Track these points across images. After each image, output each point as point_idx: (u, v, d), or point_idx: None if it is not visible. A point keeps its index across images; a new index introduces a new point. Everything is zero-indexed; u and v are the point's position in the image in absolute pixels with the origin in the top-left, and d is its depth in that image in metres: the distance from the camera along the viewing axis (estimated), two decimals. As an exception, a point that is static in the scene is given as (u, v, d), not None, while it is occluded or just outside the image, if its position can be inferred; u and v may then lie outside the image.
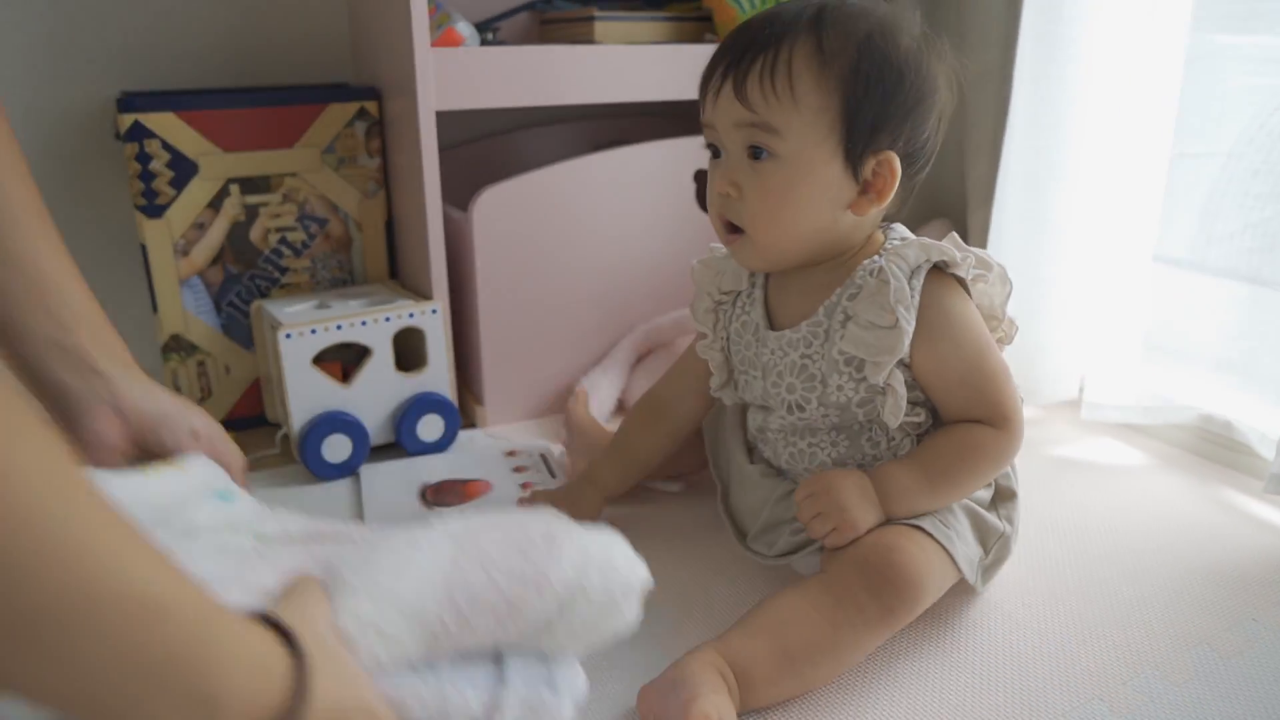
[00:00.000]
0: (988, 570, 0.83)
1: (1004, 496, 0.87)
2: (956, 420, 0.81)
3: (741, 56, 0.77)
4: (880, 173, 0.78)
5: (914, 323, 0.76)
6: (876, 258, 0.80)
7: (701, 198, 1.32)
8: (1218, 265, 1.13)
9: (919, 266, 0.77)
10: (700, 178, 1.31)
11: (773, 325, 0.86)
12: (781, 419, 0.86)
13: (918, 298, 0.77)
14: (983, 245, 1.19)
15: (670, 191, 1.29)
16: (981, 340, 0.79)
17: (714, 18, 1.32)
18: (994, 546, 0.83)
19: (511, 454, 1.16)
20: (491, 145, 1.49)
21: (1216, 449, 1.14)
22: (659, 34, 1.31)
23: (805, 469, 0.86)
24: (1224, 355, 1.14)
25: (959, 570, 0.79)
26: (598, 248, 1.26)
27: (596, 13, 1.26)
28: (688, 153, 1.29)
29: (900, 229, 0.85)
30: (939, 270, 0.78)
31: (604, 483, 0.98)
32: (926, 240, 0.78)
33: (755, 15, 0.79)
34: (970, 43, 1.20)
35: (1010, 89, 1.13)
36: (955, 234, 0.81)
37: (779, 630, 0.73)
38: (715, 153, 0.81)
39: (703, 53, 1.27)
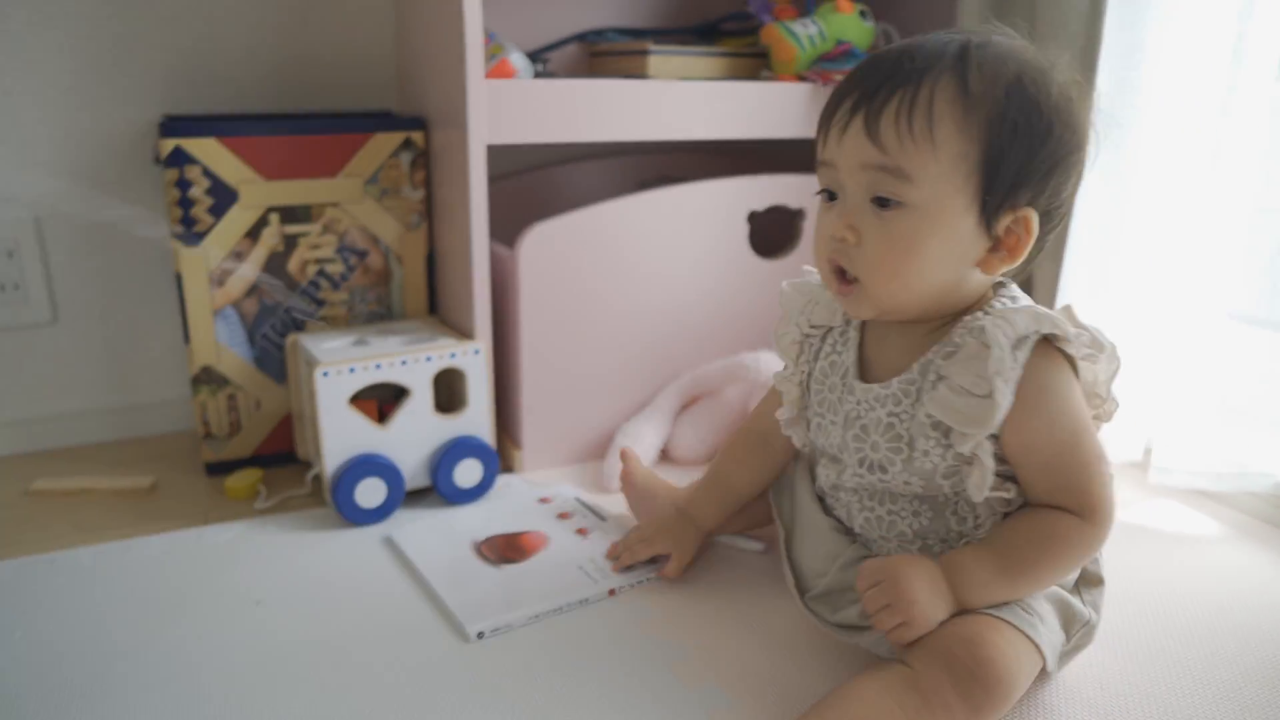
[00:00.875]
0: (1065, 655, 0.78)
1: (1090, 582, 0.81)
2: (1040, 504, 0.75)
3: (876, 91, 0.70)
4: (1015, 230, 0.72)
5: (1011, 397, 0.70)
6: (980, 314, 0.73)
7: (756, 240, 1.27)
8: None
9: (1026, 336, 0.71)
10: (755, 219, 1.27)
11: (863, 374, 0.80)
12: (858, 477, 0.79)
13: (1019, 370, 0.70)
14: (1050, 300, 1.13)
15: (722, 233, 1.24)
16: (1079, 424, 0.72)
17: (770, 55, 1.28)
18: (1077, 634, 0.77)
19: (545, 501, 1.11)
20: (535, 179, 1.45)
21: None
22: (714, 70, 1.27)
23: (882, 536, 0.80)
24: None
25: (1043, 659, 0.73)
26: (645, 290, 1.21)
27: (651, 46, 1.22)
28: (741, 193, 1.24)
29: (1013, 288, 0.78)
30: (1047, 343, 0.72)
31: (701, 517, 0.96)
32: (1039, 309, 0.71)
33: (892, 48, 0.72)
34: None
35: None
36: (1071, 307, 0.74)
37: None
38: (830, 196, 0.75)
39: (758, 90, 1.25)
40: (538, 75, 1.23)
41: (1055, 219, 0.74)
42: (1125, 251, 1.13)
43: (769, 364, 1.20)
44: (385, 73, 1.34)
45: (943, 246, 0.71)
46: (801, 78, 1.26)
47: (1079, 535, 0.72)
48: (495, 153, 1.32)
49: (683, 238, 1.22)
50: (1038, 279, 1.16)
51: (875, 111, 0.70)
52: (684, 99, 1.17)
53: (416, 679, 0.79)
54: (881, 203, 0.71)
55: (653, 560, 0.96)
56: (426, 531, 1.03)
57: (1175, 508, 1.13)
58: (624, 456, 1.07)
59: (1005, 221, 0.71)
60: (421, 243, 1.23)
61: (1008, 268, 0.73)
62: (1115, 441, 1.19)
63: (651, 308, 1.22)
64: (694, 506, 0.96)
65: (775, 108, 1.22)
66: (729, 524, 0.99)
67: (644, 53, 1.23)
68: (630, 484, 1.05)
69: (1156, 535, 1.07)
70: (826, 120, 0.74)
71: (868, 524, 0.81)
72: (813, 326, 0.85)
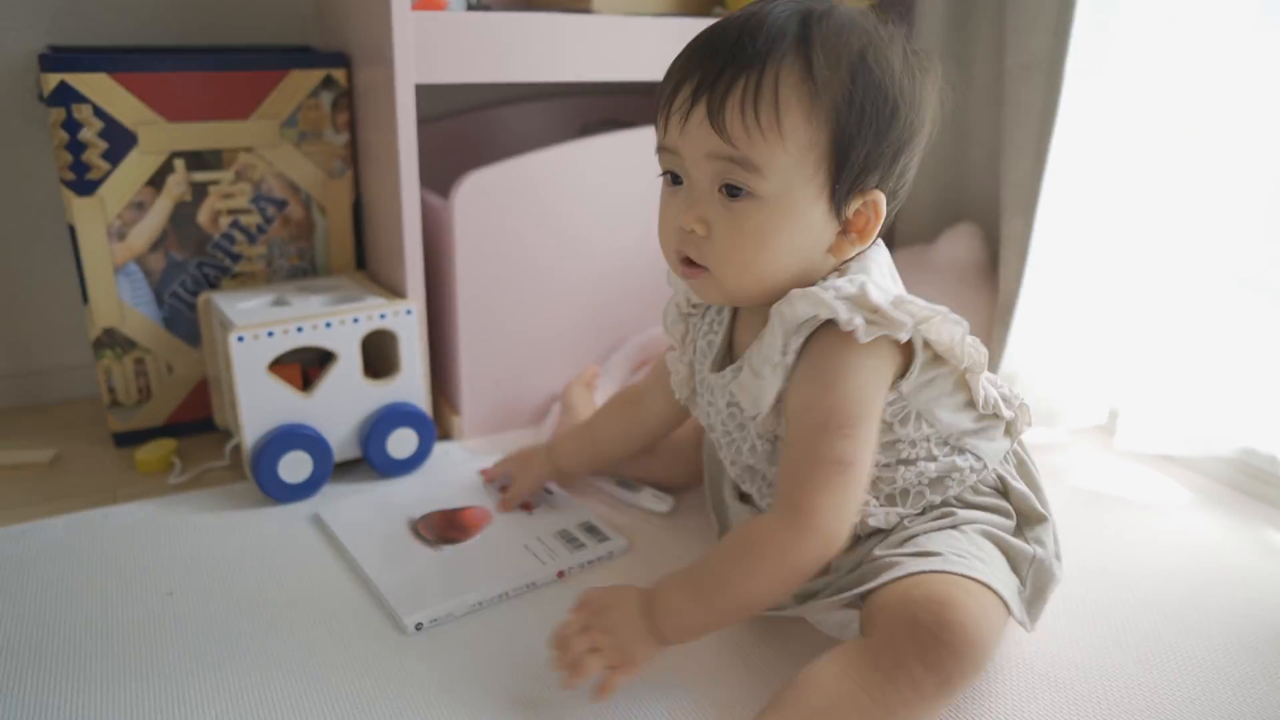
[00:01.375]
0: (1032, 605, 0.73)
1: (1029, 520, 0.77)
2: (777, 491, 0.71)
3: (717, 75, 0.66)
4: (864, 213, 0.70)
5: (779, 381, 0.70)
6: (783, 301, 0.70)
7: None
8: (1275, 288, 1.03)
9: (805, 322, 0.69)
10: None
11: (729, 359, 0.79)
12: (751, 457, 0.79)
13: (792, 356, 0.70)
14: (1022, 254, 1.08)
15: (672, 181, 1.16)
16: (835, 413, 0.67)
17: (724, -11, 1.19)
18: (1029, 574, 0.73)
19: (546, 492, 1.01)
20: (468, 121, 1.35)
21: (1259, 485, 1.05)
22: (663, 5, 1.18)
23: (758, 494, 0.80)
24: (1272, 385, 1.05)
25: (1008, 610, 0.69)
26: (590, 243, 1.13)
27: (595, -23, 1.12)
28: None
29: (853, 265, 0.72)
30: (833, 324, 0.67)
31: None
32: (823, 293, 0.67)
33: (730, 20, 0.68)
34: (1014, 28, 1.08)
35: (1060, 82, 1.02)
36: (866, 285, 0.68)
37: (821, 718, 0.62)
38: (674, 179, 0.72)
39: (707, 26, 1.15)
40: (471, 8, 1.12)
41: (899, 196, 0.73)
42: (1102, 207, 1.08)
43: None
44: (303, 3, 1.22)
45: (794, 236, 0.69)
46: (757, 14, 1.17)
47: (775, 543, 0.67)
48: (425, 93, 1.22)
49: (631, 187, 1.13)
50: (1007, 232, 1.11)
51: (718, 100, 0.66)
52: (633, 36, 1.08)
53: (348, 677, 0.72)
54: (731, 192, 0.68)
55: (603, 540, 0.90)
56: (358, 508, 0.95)
57: (1141, 473, 1.10)
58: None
59: (854, 205, 0.70)
60: (346, 191, 1.13)
61: (858, 249, 0.72)
62: (1080, 404, 1.15)
63: (597, 262, 1.14)
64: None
65: (729, 47, 1.14)
66: (628, 470, 1.00)
67: (587, -16, 1.13)
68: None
69: (1123, 503, 1.04)
70: (666, 103, 0.70)
71: (761, 496, 0.80)
72: (692, 305, 0.83)
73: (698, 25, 1.11)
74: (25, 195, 1.13)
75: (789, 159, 0.66)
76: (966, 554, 0.70)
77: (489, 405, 1.12)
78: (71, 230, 1.00)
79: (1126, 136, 1.04)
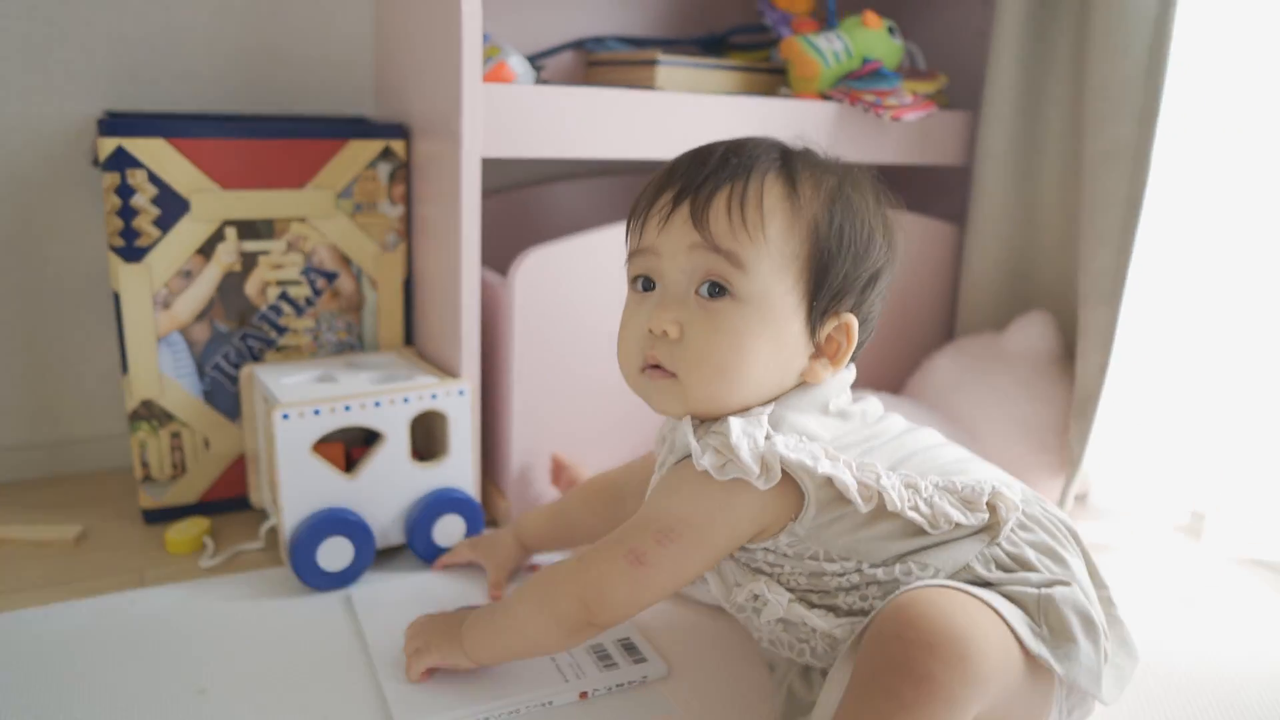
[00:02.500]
0: (1057, 645, 0.62)
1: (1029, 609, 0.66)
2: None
3: (700, 185, 0.67)
4: (835, 338, 0.71)
5: (648, 493, 0.72)
6: (686, 425, 0.71)
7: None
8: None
9: (683, 446, 0.70)
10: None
11: None
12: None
13: (665, 471, 0.72)
14: (1105, 345, 1.02)
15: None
16: (654, 511, 0.69)
17: (790, 70, 1.17)
18: (1040, 612, 0.63)
19: (534, 569, 0.96)
20: (521, 197, 1.32)
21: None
22: (727, 84, 1.15)
23: (760, 629, 0.75)
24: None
25: (1015, 635, 0.60)
26: (650, 323, 1.08)
27: (661, 56, 1.10)
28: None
29: (797, 395, 0.71)
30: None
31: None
32: (690, 435, 0.68)
33: (704, 147, 0.71)
34: (1095, 116, 1.04)
35: (1146, 171, 0.98)
36: (729, 434, 0.66)
37: None
38: (645, 285, 0.71)
39: (781, 107, 1.13)
40: (539, 82, 1.10)
41: (868, 329, 0.73)
42: (1178, 302, 1.04)
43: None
44: (361, 73, 1.20)
45: (770, 347, 0.68)
46: (825, 96, 1.15)
47: (551, 581, 0.70)
48: (483, 166, 1.20)
49: (692, 268, 1.09)
50: (1088, 322, 1.06)
51: (704, 200, 0.67)
52: (700, 114, 1.05)
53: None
54: (714, 291, 0.67)
55: (639, 660, 0.81)
56: (392, 596, 0.89)
57: (1229, 576, 1.03)
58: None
59: (829, 328, 0.70)
60: (399, 265, 1.09)
61: (830, 374, 0.71)
62: (1162, 504, 1.09)
63: (655, 345, 1.09)
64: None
65: (799, 127, 1.11)
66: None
67: (651, 62, 1.10)
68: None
69: (1210, 606, 0.96)
70: (644, 209, 0.70)
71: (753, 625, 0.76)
72: (669, 429, 0.80)
73: (762, 105, 1.10)
74: (70, 260, 1.10)
75: (771, 263, 0.66)
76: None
77: (540, 491, 1.06)
78: (116, 298, 0.97)
79: (1214, 227, 1.00)
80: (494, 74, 0.98)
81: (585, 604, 0.68)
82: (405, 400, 0.93)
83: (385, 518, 0.95)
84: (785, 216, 0.67)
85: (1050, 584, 0.65)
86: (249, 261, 1.02)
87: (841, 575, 0.68)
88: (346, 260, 1.07)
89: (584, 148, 0.99)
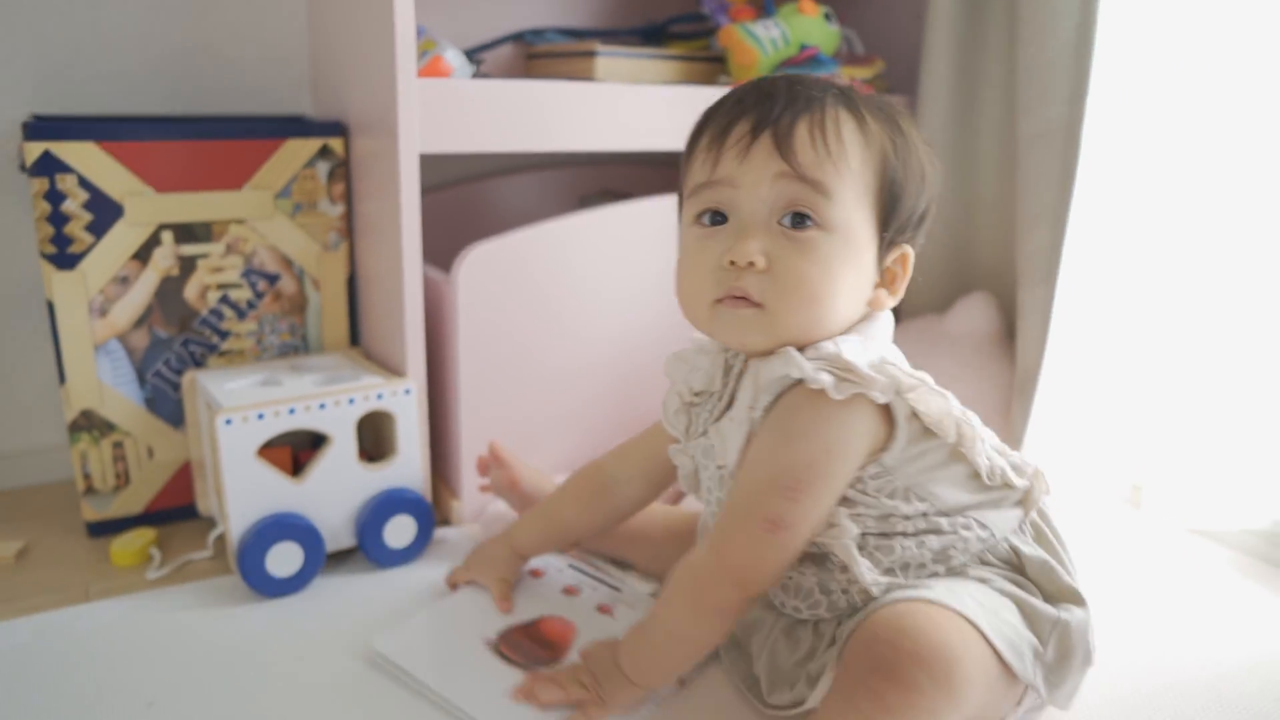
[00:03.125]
0: (1054, 672, 0.67)
1: (1054, 594, 0.71)
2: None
3: (777, 114, 0.66)
4: (894, 268, 0.72)
5: (742, 436, 0.69)
6: (761, 360, 0.70)
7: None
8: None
9: (775, 380, 0.67)
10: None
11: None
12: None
13: (758, 413, 0.68)
14: (1043, 324, 1.04)
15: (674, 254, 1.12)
16: (785, 471, 0.65)
17: (729, 58, 1.17)
18: (1051, 636, 0.67)
19: (536, 574, 0.93)
20: (462, 193, 1.31)
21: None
22: (667, 74, 1.16)
23: (788, 597, 0.75)
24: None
25: (993, 649, 0.63)
26: (595, 317, 1.08)
27: (600, 47, 1.09)
28: (700, 209, 1.12)
29: (866, 325, 0.71)
30: (805, 385, 0.66)
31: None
32: (799, 356, 0.66)
33: (759, 81, 0.70)
34: (1027, 98, 1.06)
35: (1078, 150, 1.00)
36: (887, 354, 0.68)
37: None
38: (714, 219, 0.69)
39: (715, 95, 1.12)
40: (475, 76, 1.10)
41: (914, 262, 0.73)
42: (1114, 279, 1.06)
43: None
44: (298, 71, 1.18)
45: (853, 276, 0.68)
46: (764, 84, 1.15)
47: (696, 578, 0.68)
48: (422, 163, 1.18)
49: (637, 258, 1.09)
50: (1025, 301, 1.08)
51: (785, 130, 0.66)
52: (639, 105, 1.05)
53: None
54: (797, 221, 0.66)
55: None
56: (417, 634, 0.82)
57: (1169, 547, 1.05)
58: (492, 453, 0.99)
59: (891, 258, 0.71)
60: (342, 265, 1.08)
61: (891, 303, 0.72)
62: (1102, 477, 1.12)
63: (603, 336, 1.09)
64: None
65: (737, 116, 1.11)
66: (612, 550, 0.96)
67: (590, 54, 1.10)
68: (520, 480, 0.98)
69: (1151, 578, 0.99)
70: (717, 140, 0.68)
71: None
72: (695, 393, 0.78)
73: (701, 94, 1.10)
74: (1, 269, 1.08)
75: (853, 192, 0.66)
76: (958, 593, 0.65)
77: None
78: (50, 306, 0.95)
79: (1148, 204, 1.02)
80: (429, 69, 0.97)
81: (740, 586, 0.67)
82: (350, 401, 0.93)
83: (335, 521, 0.94)
84: (860, 147, 0.67)
85: (1069, 599, 0.70)
86: (187, 265, 1.00)
87: (909, 519, 0.68)
88: (288, 261, 1.05)
89: (523, 141, 0.99)
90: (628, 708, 0.72)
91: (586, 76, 1.10)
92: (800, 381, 0.65)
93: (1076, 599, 0.71)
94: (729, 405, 0.73)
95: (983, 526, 0.70)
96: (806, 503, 0.65)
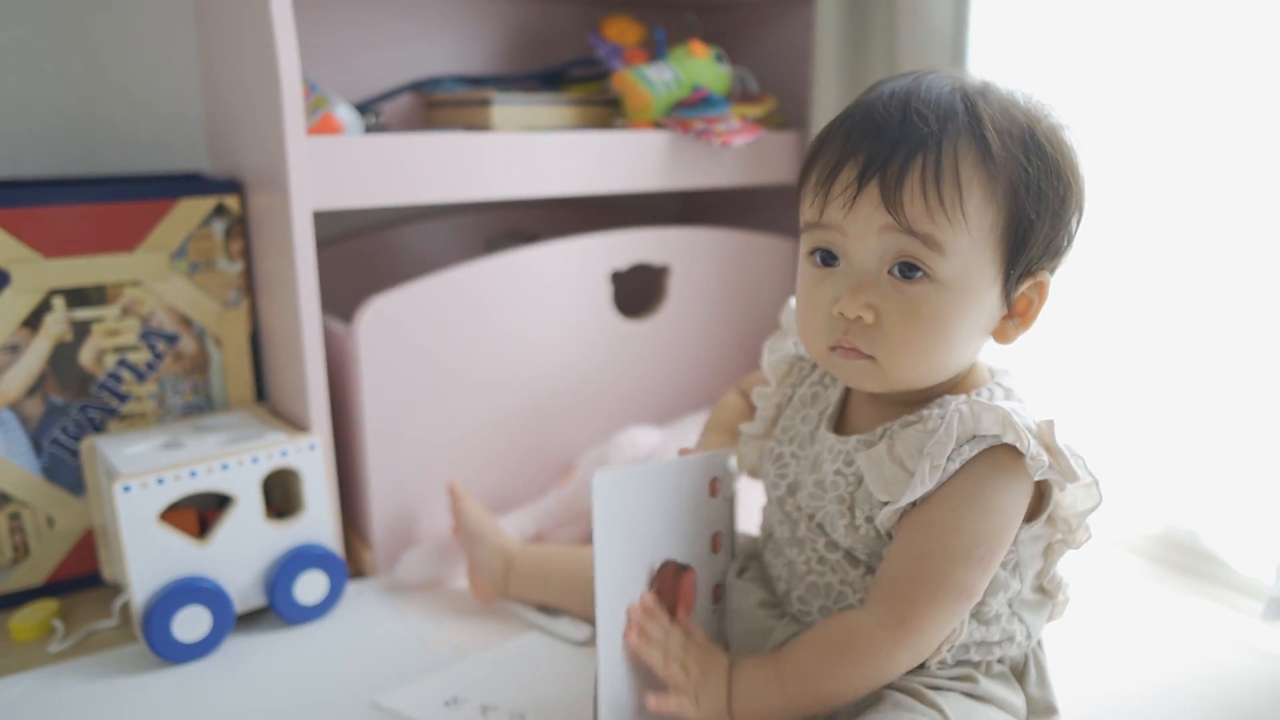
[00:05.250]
0: None
1: (1040, 711, 0.71)
2: (874, 584, 0.66)
3: (889, 155, 0.61)
4: (1029, 295, 0.67)
5: (931, 484, 0.62)
6: (963, 398, 0.65)
7: (620, 300, 1.18)
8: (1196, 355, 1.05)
9: (983, 437, 0.62)
10: (618, 279, 1.17)
11: (837, 422, 0.73)
12: (810, 534, 0.71)
13: (957, 465, 0.62)
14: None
15: (584, 295, 1.14)
16: (976, 544, 0.62)
17: (623, 102, 1.20)
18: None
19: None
20: (371, 242, 1.31)
21: (1185, 559, 1.06)
22: (563, 119, 1.18)
23: (824, 607, 0.71)
24: (1192, 460, 1.06)
25: None
26: (503, 363, 1.09)
27: (494, 95, 1.11)
28: (601, 251, 1.15)
29: (1011, 378, 0.70)
30: (1008, 451, 0.62)
31: (515, 586, 0.95)
32: (1015, 415, 0.62)
33: (884, 98, 0.64)
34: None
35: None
36: (1054, 423, 0.63)
37: None
38: (826, 259, 0.66)
39: (613, 140, 1.16)
40: (369, 130, 1.11)
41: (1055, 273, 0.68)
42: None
43: (645, 441, 1.11)
44: (193, 128, 1.18)
45: (970, 322, 0.64)
46: (658, 125, 1.18)
47: (870, 648, 0.63)
48: (324, 215, 1.19)
49: (541, 302, 1.11)
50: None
51: (893, 180, 0.61)
52: (533, 153, 1.07)
53: None
54: (906, 271, 0.62)
55: None
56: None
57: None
58: (452, 493, 1.01)
59: (1024, 288, 0.66)
60: (243, 321, 1.07)
61: (1020, 334, 0.68)
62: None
63: (511, 381, 1.10)
64: (516, 573, 0.95)
65: (632, 158, 1.14)
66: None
67: (485, 102, 1.12)
68: (459, 522, 1.00)
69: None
70: (825, 183, 0.64)
71: (812, 590, 0.72)
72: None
73: (598, 139, 1.12)
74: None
75: (970, 240, 0.61)
76: None
77: (403, 537, 1.06)
78: (-64, 380, 0.93)
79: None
80: (321, 125, 0.98)
81: (920, 655, 0.64)
82: (254, 460, 0.92)
83: (243, 581, 0.93)
84: (982, 186, 0.61)
85: (1044, 713, 0.70)
86: (81, 330, 0.99)
87: (994, 598, 0.66)
88: (187, 321, 1.04)
89: (418, 193, 1.00)
90: (705, 716, 0.65)
91: (483, 125, 1.12)
92: (1006, 450, 0.62)
93: (1051, 711, 0.71)
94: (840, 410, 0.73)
95: (1027, 632, 0.69)
96: (990, 572, 0.63)
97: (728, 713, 0.65)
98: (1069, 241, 0.67)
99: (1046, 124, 0.64)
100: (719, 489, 0.74)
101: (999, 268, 0.63)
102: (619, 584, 0.64)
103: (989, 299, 0.64)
